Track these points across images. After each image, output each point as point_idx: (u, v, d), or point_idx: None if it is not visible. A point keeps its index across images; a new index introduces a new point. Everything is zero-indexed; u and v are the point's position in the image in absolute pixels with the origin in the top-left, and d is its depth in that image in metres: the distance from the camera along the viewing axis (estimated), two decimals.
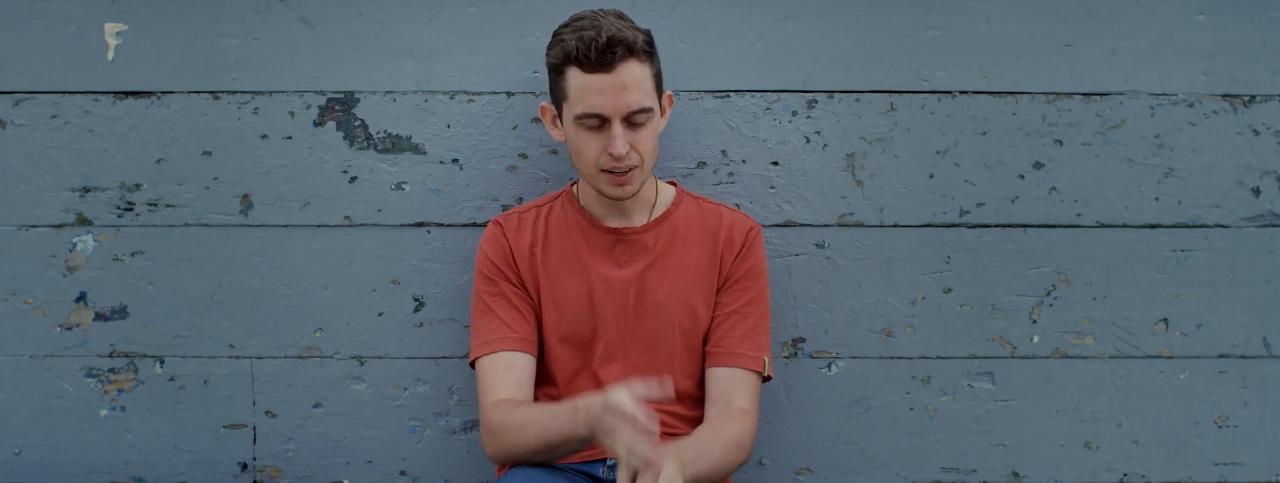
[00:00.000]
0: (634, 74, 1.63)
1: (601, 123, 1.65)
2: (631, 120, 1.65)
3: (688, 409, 1.78)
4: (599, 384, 1.74)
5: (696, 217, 1.81)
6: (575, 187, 1.85)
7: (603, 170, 1.68)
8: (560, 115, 1.72)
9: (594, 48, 1.60)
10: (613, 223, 1.79)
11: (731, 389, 1.73)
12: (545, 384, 1.80)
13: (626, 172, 1.67)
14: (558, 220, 1.81)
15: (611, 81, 1.62)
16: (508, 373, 1.72)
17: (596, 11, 1.68)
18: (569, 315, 1.77)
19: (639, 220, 1.80)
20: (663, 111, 1.73)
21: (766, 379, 1.78)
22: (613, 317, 1.76)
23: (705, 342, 1.78)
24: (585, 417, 1.51)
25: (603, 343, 1.76)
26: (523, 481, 1.62)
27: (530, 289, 1.77)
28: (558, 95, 1.70)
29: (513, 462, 1.68)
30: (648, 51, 1.66)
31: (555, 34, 1.68)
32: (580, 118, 1.65)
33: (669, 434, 1.75)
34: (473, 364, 1.76)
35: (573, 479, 1.70)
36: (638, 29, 1.66)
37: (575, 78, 1.63)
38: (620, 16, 1.68)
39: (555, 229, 1.80)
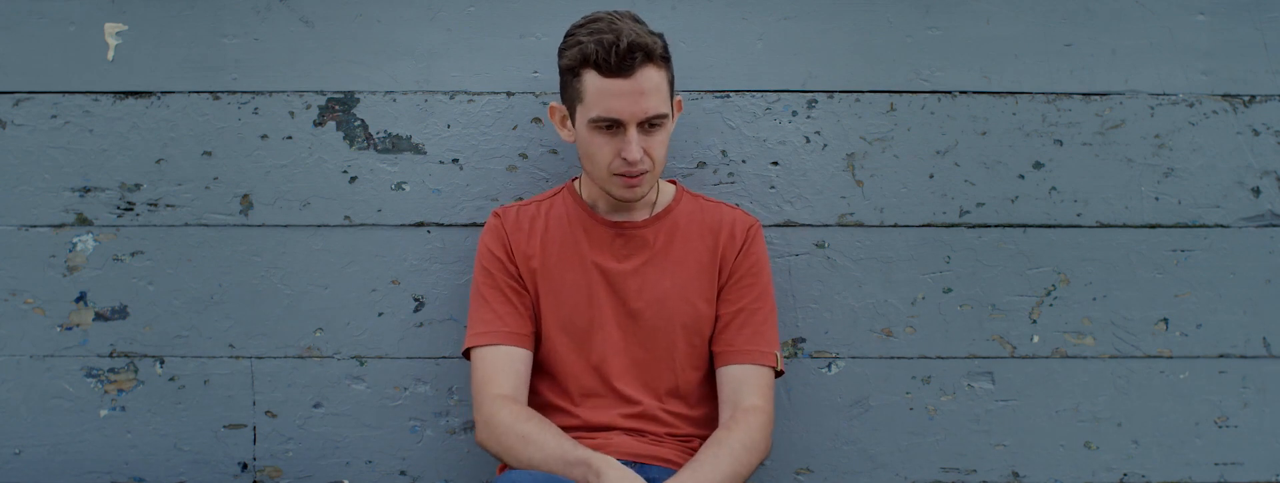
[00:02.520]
0: (652, 80, 1.63)
1: (617, 127, 1.65)
2: (646, 126, 1.65)
3: (690, 408, 1.78)
4: (603, 380, 1.75)
5: (696, 213, 1.82)
6: (577, 182, 1.85)
7: (614, 173, 1.68)
8: (572, 117, 1.71)
9: (614, 52, 1.59)
10: (614, 217, 1.79)
11: (740, 388, 1.73)
12: (547, 377, 1.79)
13: (638, 175, 1.68)
14: (559, 214, 1.81)
15: (630, 87, 1.61)
16: (508, 366, 1.72)
17: (613, 14, 1.66)
18: (568, 305, 1.77)
19: (640, 216, 1.80)
20: (673, 116, 1.73)
21: (779, 373, 1.78)
22: (611, 310, 1.76)
23: (712, 341, 1.78)
24: (585, 474, 1.54)
25: (601, 336, 1.76)
26: (527, 479, 1.62)
27: (527, 282, 1.77)
28: (571, 97, 1.68)
29: (499, 459, 1.68)
30: (665, 58, 1.66)
31: (570, 34, 1.67)
32: (595, 121, 1.65)
33: (671, 435, 1.76)
34: (466, 354, 1.76)
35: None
36: (654, 34, 1.65)
37: (592, 81, 1.62)
38: (636, 20, 1.66)
39: (556, 223, 1.80)
